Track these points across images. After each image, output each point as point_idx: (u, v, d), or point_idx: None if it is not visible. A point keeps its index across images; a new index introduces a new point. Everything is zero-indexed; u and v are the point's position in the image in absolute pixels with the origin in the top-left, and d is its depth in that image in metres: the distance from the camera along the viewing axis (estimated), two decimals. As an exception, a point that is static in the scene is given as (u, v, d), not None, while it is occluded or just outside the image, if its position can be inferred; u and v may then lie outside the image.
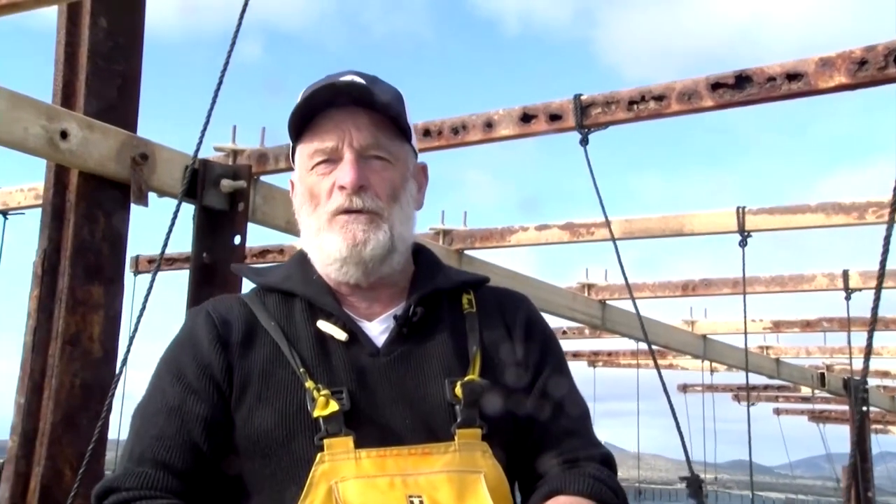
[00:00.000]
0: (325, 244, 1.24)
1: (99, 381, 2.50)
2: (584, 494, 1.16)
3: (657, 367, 2.90)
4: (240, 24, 1.87)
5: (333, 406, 1.13)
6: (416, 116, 1.32)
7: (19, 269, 2.84)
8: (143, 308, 2.20)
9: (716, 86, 2.45)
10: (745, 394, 10.67)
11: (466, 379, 1.19)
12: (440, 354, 1.23)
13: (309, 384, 1.15)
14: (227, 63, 1.97)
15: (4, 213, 3.73)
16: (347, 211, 1.22)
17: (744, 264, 3.68)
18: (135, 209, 2.70)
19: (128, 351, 2.22)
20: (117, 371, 2.17)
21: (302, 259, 1.31)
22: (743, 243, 3.66)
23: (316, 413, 1.13)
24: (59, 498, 2.29)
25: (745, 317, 3.72)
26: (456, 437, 1.15)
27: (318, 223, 1.25)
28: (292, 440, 1.14)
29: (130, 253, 3.35)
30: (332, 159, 1.24)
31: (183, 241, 2.98)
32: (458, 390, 1.17)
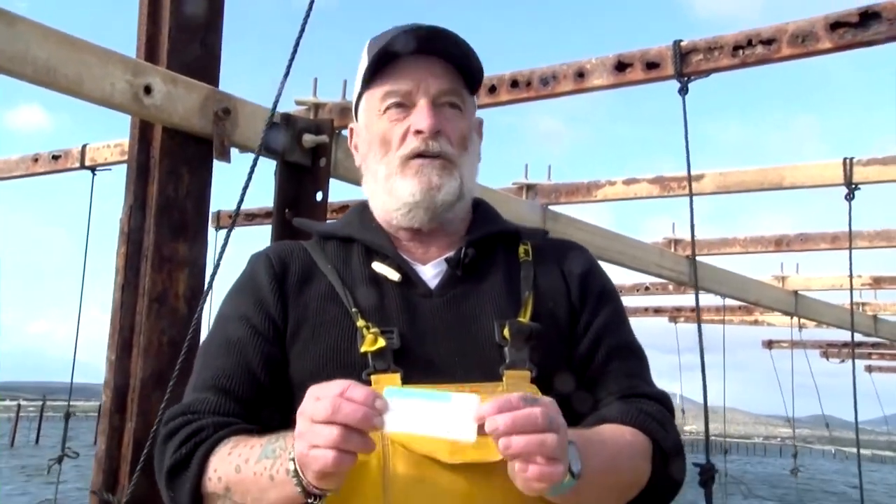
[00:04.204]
0: (396, 188, 1.24)
1: (185, 339, 2.50)
2: (628, 424, 1.17)
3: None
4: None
5: (381, 343, 1.14)
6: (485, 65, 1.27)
7: (108, 224, 2.86)
8: (217, 264, 2.14)
9: (836, 25, 2.23)
10: (836, 350, 10.29)
11: (515, 320, 1.19)
12: (492, 297, 1.23)
13: (360, 322, 1.17)
14: (308, 11, 1.88)
15: (92, 168, 3.79)
16: (422, 155, 1.22)
17: (850, 219, 3.44)
18: (217, 164, 2.66)
19: (201, 307, 2.18)
20: (193, 326, 2.14)
21: (362, 209, 1.33)
22: (850, 196, 3.43)
23: (363, 349, 1.14)
24: (152, 452, 2.32)
25: (850, 273, 3.51)
26: (504, 378, 1.14)
27: (388, 168, 1.25)
28: (341, 375, 1.15)
29: (212, 208, 3.35)
30: (405, 104, 1.23)
31: (266, 197, 2.94)
32: (507, 331, 1.17)
